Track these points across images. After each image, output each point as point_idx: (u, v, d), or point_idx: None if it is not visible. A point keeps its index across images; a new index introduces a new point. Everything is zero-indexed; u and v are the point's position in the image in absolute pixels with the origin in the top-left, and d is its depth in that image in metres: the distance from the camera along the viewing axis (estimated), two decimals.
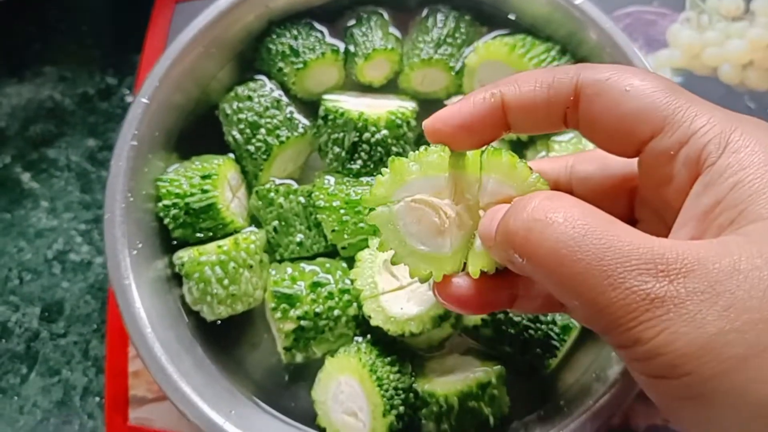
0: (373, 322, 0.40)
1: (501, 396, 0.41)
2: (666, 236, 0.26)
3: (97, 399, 0.54)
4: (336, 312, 0.42)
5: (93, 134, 0.61)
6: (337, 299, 0.42)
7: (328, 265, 0.44)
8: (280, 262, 0.45)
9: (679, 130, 0.26)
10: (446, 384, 0.40)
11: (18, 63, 0.64)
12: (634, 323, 0.22)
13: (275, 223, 0.45)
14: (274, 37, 0.49)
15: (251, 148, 0.46)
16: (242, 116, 0.46)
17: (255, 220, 0.47)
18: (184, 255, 0.43)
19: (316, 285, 0.42)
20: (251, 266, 0.43)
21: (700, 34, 0.58)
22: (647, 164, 0.28)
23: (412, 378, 0.42)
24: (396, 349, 0.42)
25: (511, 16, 0.50)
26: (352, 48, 0.49)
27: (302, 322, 0.41)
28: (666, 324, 0.21)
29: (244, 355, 0.46)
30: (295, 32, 0.49)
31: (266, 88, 0.48)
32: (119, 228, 0.42)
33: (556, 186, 0.35)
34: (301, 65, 0.47)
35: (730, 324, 0.21)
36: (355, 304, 0.42)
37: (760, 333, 0.21)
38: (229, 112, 0.47)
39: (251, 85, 0.48)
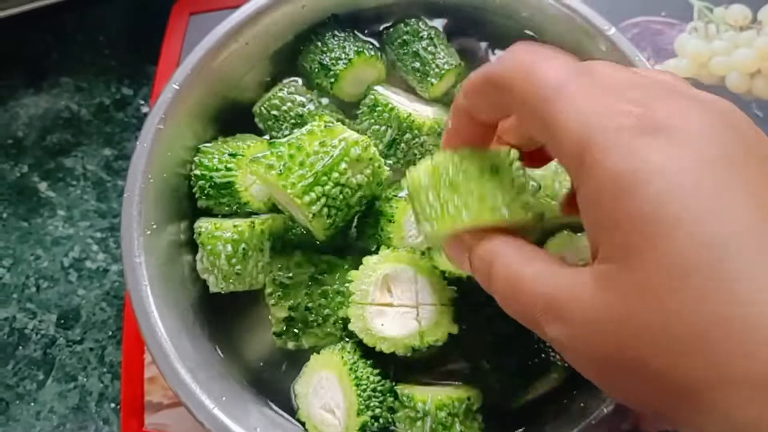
0: (351, 326, 0.40)
1: (476, 417, 0.41)
2: None
3: (113, 405, 0.55)
4: (326, 311, 0.42)
5: (109, 144, 0.62)
6: (329, 299, 0.42)
7: (332, 264, 0.44)
8: (291, 248, 0.46)
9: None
10: (425, 391, 0.41)
11: (35, 74, 0.65)
12: None
13: None
14: (306, 54, 0.50)
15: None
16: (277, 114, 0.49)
17: (276, 208, 0.48)
18: (203, 225, 0.45)
19: (314, 280, 0.42)
20: (261, 250, 0.44)
21: (707, 44, 0.59)
22: None
23: (394, 383, 0.42)
24: (382, 352, 0.43)
25: (528, 32, 0.51)
26: (417, 65, 0.50)
27: (293, 313, 0.42)
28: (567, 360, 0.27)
29: (245, 344, 0.47)
30: (322, 46, 0.49)
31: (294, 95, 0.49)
32: (136, 207, 0.43)
33: None
34: (333, 79, 0.48)
35: (588, 373, 0.26)
36: (345, 309, 0.42)
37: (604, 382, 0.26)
38: (264, 112, 0.49)
39: (280, 90, 0.49)
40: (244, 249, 0.43)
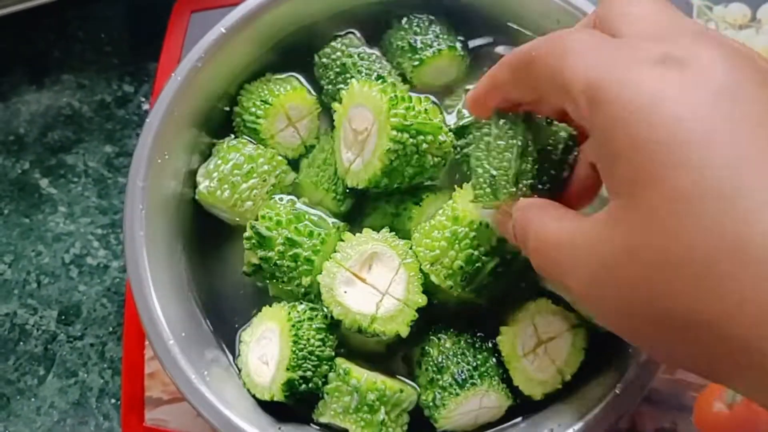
0: (319, 278, 0.41)
1: (401, 415, 0.42)
2: None
3: (113, 400, 0.55)
4: (292, 274, 0.43)
5: (110, 141, 0.63)
6: (298, 263, 0.42)
7: (313, 231, 0.44)
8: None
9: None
10: (364, 373, 0.41)
11: (37, 71, 0.65)
12: None
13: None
14: (396, 30, 0.50)
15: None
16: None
17: (296, 162, 0.50)
18: (229, 139, 0.49)
19: (290, 241, 0.42)
20: (264, 181, 0.46)
21: None
22: None
23: (335, 354, 0.42)
24: (331, 326, 0.43)
25: (512, 24, 0.51)
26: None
27: (262, 263, 0.43)
28: None
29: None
30: (416, 27, 0.50)
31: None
32: (139, 196, 0.44)
33: None
34: (417, 62, 0.49)
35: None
36: (309, 278, 0.43)
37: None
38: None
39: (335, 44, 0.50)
40: (251, 168, 0.46)
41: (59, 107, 0.64)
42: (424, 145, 0.42)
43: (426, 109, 0.42)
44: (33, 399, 0.56)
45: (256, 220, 0.44)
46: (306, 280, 0.42)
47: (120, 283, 0.58)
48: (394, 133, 0.40)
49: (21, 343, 0.57)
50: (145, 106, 0.63)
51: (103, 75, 0.65)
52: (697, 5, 0.60)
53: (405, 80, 0.50)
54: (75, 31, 0.67)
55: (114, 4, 0.67)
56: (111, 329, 0.57)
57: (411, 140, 0.41)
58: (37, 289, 0.59)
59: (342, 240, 0.42)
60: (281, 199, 0.46)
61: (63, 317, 0.58)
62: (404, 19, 0.51)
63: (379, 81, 0.42)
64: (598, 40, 0.27)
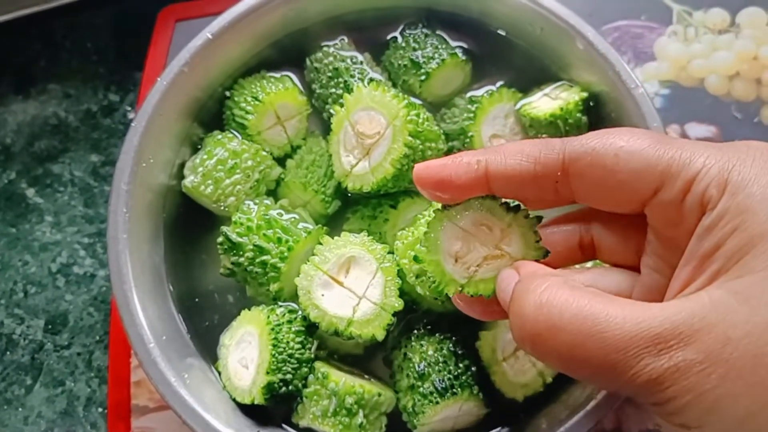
0: (296, 281, 0.41)
1: (379, 418, 0.42)
2: (668, 276, 0.28)
3: (100, 409, 0.55)
4: (261, 280, 0.43)
5: (96, 150, 0.63)
6: (266, 270, 0.43)
7: (284, 237, 0.44)
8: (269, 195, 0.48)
9: (678, 181, 0.27)
10: (342, 376, 0.41)
11: (24, 80, 0.66)
12: (648, 398, 0.25)
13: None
14: (394, 50, 0.51)
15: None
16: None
17: (280, 160, 0.50)
18: (217, 132, 0.49)
19: (258, 248, 0.43)
20: (248, 176, 0.47)
21: (687, 47, 0.60)
22: (655, 214, 0.29)
23: (315, 357, 0.43)
24: (310, 328, 0.43)
25: (501, 32, 0.51)
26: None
27: (235, 267, 0.44)
28: (672, 394, 0.24)
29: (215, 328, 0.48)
30: (413, 43, 0.50)
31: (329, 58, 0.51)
32: (123, 199, 0.45)
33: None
34: (424, 77, 0.49)
35: (728, 390, 0.23)
36: (277, 284, 0.43)
37: (754, 396, 0.23)
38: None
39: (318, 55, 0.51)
40: (235, 163, 0.47)
41: (45, 117, 0.64)
42: (429, 152, 0.43)
43: (427, 117, 0.43)
44: (20, 408, 0.56)
45: (229, 225, 0.44)
46: (274, 287, 0.43)
47: (107, 291, 0.58)
48: (410, 138, 0.40)
49: (8, 352, 0.57)
50: (131, 115, 0.64)
51: (89, 84, 0.65)
52: (677, 10, 0.61)
53: (414, 96, 0.50)
54: (61, 41, 0.67)
55: (100, 14, 0.67)
56: (98, 338, 0.57)
57: (420, 146, 0.42)
58: (23, 298, 0.59)
59: (320, 243, 0.42)
60: (256, 203, 0.46)
61: (50, 326, 0.58)
62: (399, 38, 0.51)
63: (379, 84, 0.43)
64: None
